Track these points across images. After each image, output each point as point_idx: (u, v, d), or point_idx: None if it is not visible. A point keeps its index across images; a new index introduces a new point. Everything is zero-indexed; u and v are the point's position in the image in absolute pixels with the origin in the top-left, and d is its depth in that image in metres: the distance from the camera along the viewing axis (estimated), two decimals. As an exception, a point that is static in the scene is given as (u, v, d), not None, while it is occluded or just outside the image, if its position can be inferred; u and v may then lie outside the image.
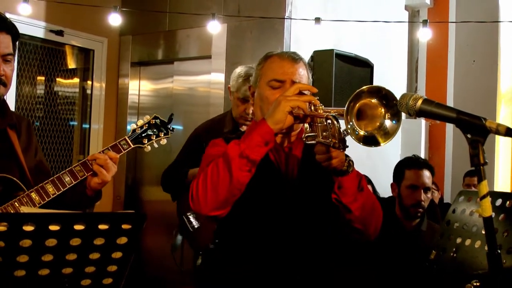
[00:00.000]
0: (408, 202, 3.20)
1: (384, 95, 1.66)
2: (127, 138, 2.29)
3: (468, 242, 2.01)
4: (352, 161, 1.91)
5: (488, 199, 1.22)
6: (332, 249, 2.16)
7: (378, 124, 1.69)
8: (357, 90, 1.65)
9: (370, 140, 1.69)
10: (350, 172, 1.90)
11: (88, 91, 5.26)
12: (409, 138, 6.06)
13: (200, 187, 1.86)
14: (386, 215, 3.32)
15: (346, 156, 1.88)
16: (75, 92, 5.29)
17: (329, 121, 1.75)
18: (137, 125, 2.35)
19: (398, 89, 5.80)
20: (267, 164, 1.98)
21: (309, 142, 1.92)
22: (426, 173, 3.23)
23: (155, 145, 2.37)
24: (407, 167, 3.29)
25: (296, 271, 1.99)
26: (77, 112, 5.29)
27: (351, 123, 1.64)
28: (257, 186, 1.91)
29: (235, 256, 2.05)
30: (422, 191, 3.18)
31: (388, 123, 1.68)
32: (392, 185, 3.38)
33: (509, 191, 5.51)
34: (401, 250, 3.15)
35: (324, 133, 1.82)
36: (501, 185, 5.90)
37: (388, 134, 1.68)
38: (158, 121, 2.39)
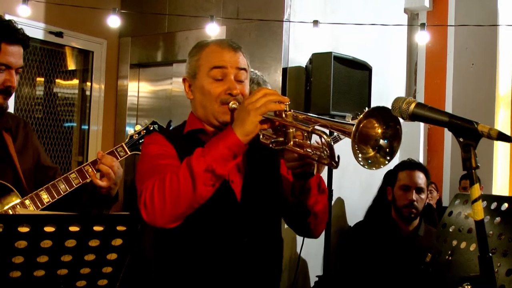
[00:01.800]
0: (400, 203, 3.23)
1: (381, 117, 1.54)
2: (124, 145, 2.28)
3: (463, 245, 2.01)
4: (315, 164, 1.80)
5: (480, 202, 1.23)
6: (279, 251, 2.09)
7: (376, 144, 1.58)
8: (364, 112, 1.52)
9: (373, 162, 1.58)
10: (314, 174, 1.82)
11: (87, 93, 5.27)
12: (407, 141, 6.07)
13: (156, 198, 1.70)
14: (382, 219, 3.35)
15: (334, 167, 1.74)
16: (74, 94, 5.29)
17: (312, 134, 1.64)
18: (135, 131, 2.33)
19: (397, 92, 5.82)
20: None
21: (277, 147, 1.75)
22: (419, 174, 3.27)
23: None
24: (400, 169, 3.35)
25: (240, 275, 1.89)
26: (76, 114, 5.29)
27: (357, 146, 1.52)
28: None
29: (178, 256, 1.94)
30: (414, 191, 3.21)
31: (384, 142, 1.57)
32: (387, 189, 3.40)
33: (507, 194, 5.52)
34: (398, 254, 3.15)
35: (296, 140, 1.70)
36: (499, 188, 5.91)
37: (389, 153, 1.58)
38: (156, 126, 2.37)
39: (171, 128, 2.42)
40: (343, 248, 3.94)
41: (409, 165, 3.35)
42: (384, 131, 1.56)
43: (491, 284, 1.19)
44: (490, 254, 1.22)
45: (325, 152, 1.64)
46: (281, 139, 1.74)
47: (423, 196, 3.24)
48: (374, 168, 1.57)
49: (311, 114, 1.73)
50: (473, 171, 1.23)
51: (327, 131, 1.64)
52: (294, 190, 1.87)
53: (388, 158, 1.58)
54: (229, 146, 1.68)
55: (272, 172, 1.98)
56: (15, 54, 2.08)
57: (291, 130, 1.70)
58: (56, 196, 2.12)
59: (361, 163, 1.54)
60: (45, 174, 2.22)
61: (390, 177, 4.50)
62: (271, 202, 1.97)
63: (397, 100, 1.38)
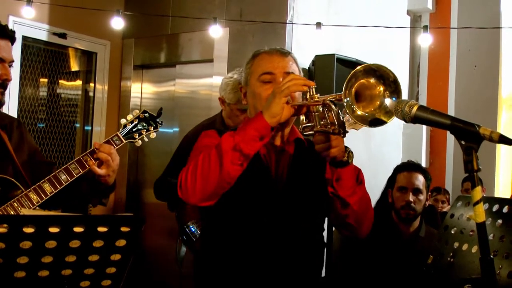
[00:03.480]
0: (398, 205, 3.23)
1: (380, 75, 1.63)
2: (118, 134, 2.35)
3: (465, 247, 2.02)
4: (352, 153, 1.87)
5: (481, 205, 1.24)
6: (321, 251, 2.14)
7: (378, 103, 1.65)
8: (353, 71, 1.62)
9: (373, 121, 1.65)
10: (350, 163, 1.87)
11: (91, 94, 5.28)
12: (410, 143, 6.07)
13: (189, 176, 1.81)
14: (384, 221, 3.35)
15: (346, 147, 1.84)
16: (78, 95, 5.31)
17: (326, 107, 1.72)
18: (127, 120, 2.40)
19: (400, 93, 5.81)
20: (256, 161, 1.91)
21: (307, 133, 1.86)
22: (416, 175, 3.24)
23: (146, 139, 2.43)
24: (398, 171, 3.33)
25: (283, 272, 1.96)
26: (79, 114, 5.31)
27: (352, 106, 1.60)
28: (244, 184, 1.86)
29: (221, 255, 2.01)
30: (411, 192, 3.19)
31: (388, 101, 1.63)
32: (388, 191, 3.40)
33: (509, 197, 5.52)
34: (399, 256, 3.15)
35: (322, 122, 1.78)
36: (502, 190, 5.91)
37: (390, 113, 1.62)
38: (147, 115, 2.44)
39: (160, 115, 2.53)
40: (345, 250, 3.94)
41: (407, 167, 3.33)
42: (385, 88, 1.64)
43: (493, 286, 1.20)
44: (492, 256, 1.23)
45: (335, 121, 1.71)
46: (310, 124, 1.85)
47: (421, 197, 3.22)
48: (372, 126, 1.65)
49: (337, 93, 1.77)
50: (475, 173, 1.24)
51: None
52: (332, 179, 1.91)
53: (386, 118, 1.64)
54: (257, 127, 1.78)
55: (317, 173, 2.01)
56: (6, 48, 2.15)
57: (317, 113, 1.80)
58: (59, 187, 2.17)
59: (347, 112, 1.62)
60: (42, 170, 2.26)
61: (390, 179, 4.51)
62: (313, 199, 2.01)
63: (399, 103, 1.39)
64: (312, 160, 1.95)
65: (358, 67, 1.65)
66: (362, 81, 1.64)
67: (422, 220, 3.30)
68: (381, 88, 1.64)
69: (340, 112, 1.70)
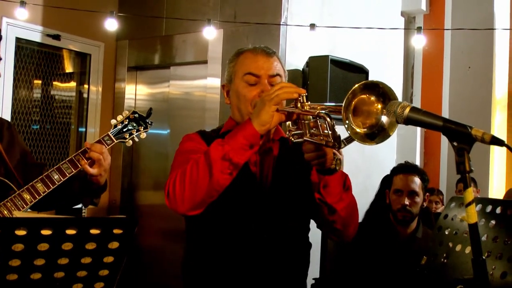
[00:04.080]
0: (394, 207, 3.23)
1: (382, 93, 1.56)
2: (109, 134, 2.37)
3: (458, 247, 2.02)
4: (340, 160, 1.84)
5: (474, 206, 1.24)
6: (307, 252, 2.13)
7: (374, 120, 1.58)
8: (354, 86, 1.55)
9: (369, 137, 1.58)
10: (338, 170, 1.85)
11: (85, 95, 5.27)
12: (404, 144, 6.09)
13: (178, 186, 1.79)
14: (381, 223, 3.35)
15: (334, 153, 1.81)
16: (72, 96, 5.30)
17: (320, 118, 1.68)
18: (117, 120, 2.42)
19: (394, 95, 5.82)
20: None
21: (296, 140, 1.82)
22: (412, 178, 3.22)
23: (136, 139, 2.47)
24: (395, 173, 3.32)
25: (269, 272, 1.95)
26: (73, 116, 5.30)
27: (347, 120, 1.54)
28: (229, 186, 1.82)
29: (208, 257, 2.00)
30: (407, 195, 3.18)
31: (385, 119, 1.56)
32: (386, 192, 3.40)
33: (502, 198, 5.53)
34: (396, 256, 3.15)
35: (313, 131, 1.75)
36: (496, 191, 5.93)
37: (386, 131, 1.57)
38: (137, 115, 2.49)
39: (151, 114, 2.57)
40: (341, 250, 3.94)
41: (403, 169, 3.30)
42: (383, 106, 1.56)
43: (485, 287, 1.20)
44: (484, 257, 1.23)
45: (329, 134, 1.66)
46: (299, 131, 1.81)
47: (417, 199, 3.21)
48: (367, 144, 1.58)
49: (329, 103, 1.75)
50: (467, 174, 1.24)
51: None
52: (319, 185, 1.90)
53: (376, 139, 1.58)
54: (246, 136, 1.76)
55: (302, 173, 2.00)
56: None
57: (307, 122, 1.76)
58: (51, 186, 2.18)
59: (348, 132, 1.55)
60: (33, 171, 2.27)
61: (387, 181, 4.52)
62: (298, 201, 2.00)
63: (392, 104, 1.39)
64: (297, 161, 1.93)
65: (360, 83, 1.57)
66: (362, 96, 1.57)
67: (420, 221, 3.30)
68: (379, 106, 1.57)
69: (334, 125, 1.65)
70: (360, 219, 4.57)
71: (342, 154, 1.88)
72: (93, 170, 2.21)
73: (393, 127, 1.55)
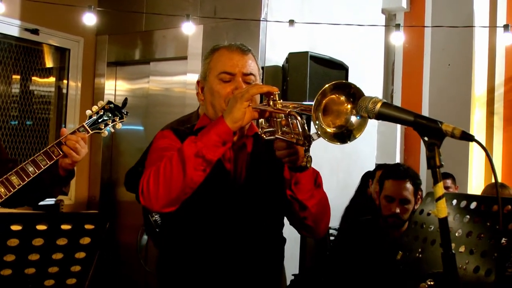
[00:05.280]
0: (385, 213, 3.10)
1: (352, 93, 1.59)
2: (85, 124, 2.36)
3: (433, 242, 2.04)
4: (311, 157, 1.85)
5: (444, 200, 1.25)
6: (281, 247, 2.14)
7: (344, 120, 1.62)
8: (324, 87, 1.59)
9: (338, 137, 1.62)
10: (309, 167, 1.86)
11: (64, 91, 5.22)
12: (385, 141, 6.12)
13: (152, 183, 1.79)
14: (369, 225, 3.31)
15: (305, 151, 1.83)
16: (51, 92, 5.25)
17: (291, 117, 1.70)
18: (92, 111, 2.42)
19: (374, 92, 5.85)
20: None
21: (268, 138, 1.86)
22: (404, 185, 3.08)
23: (111, 129, 2.45)
24: (386, 177, 3.17)
25: (243, 267, 1.97)
26: (52, 112, 5.25)
27: (317, 121, 1.57)
28: (203, 183, 1.83)
29: (183, 253, 2.01)
30: (398, 202, 3.06)
31: (354, 119, 1.60)
32: (376, 193, 3.31)
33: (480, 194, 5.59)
34: (385, 256, 3.08)
35: (285, 129, 1.77)
36: (475, 188, 5.99)
37: (355, 131, 1.62)
38: (112, 106, 2.47)
39: (126, 105, 2.55)
40: (323, 247, 3.93)
41: (395, 174, 3.14)
42: (353, 106, 1.60)
43: (454, 280, 1.21)
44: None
45: (300, 133, 1.69)
46: (271, 129, 1.84)
47: (409, 206, 3.07)
48: (337, 143, 1.62)
49: (301, 102, 1.77)
50: (437, 169, 1.25)
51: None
52: (290, 182, 1.91)
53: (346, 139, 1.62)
54: (219, 133, 1.78)
55: (275, 169, 2.00)
56: None
57: (279, 119, 1.79)
58: (26, 179, 2.18)
59: (319, 132, 1.60)
60: (5, 166, 2.25)
61: (368, 177, 4.53)
62: (271, 196, 2.02)
63: (363, 100, 1.40)
64: (271, 157, 1.94)
65: (330, 83, 1.61)
66: (332, 96, 1.61)
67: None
68: (349, 106, 1.61)
69: (305, 124, 1.68)
70: (340, 215, 4.62)
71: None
72: (68, 160, 2.23)
73: (361, 128, 1.60)
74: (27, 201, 2.39)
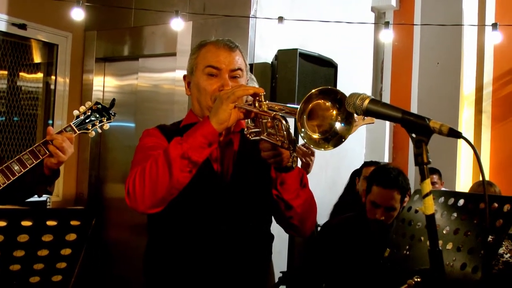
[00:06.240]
0: (369, 215, 3.11)
1: (339, 99, 1.59)
2: (72, 124, 2.35)
3: (421, 239, 2.04)
4: (297, 157, 1.86)
5: (431, 197, 1.25)
6: (269, 244, 2.15)
7: (328, 125, 1.62)
8: (310, 92, 1.59)
9: (322, 142, 1.63)
10: (294, 168, 1.86)
11: (52, 86, 5.18)
12: (373, 138, 6.14)
13: (138, 184, 1.78)
14: (355, 220, 3.31)
15: (290, 152, 1.82)
16: (39, 87, 5.21)
17: (276, 120, 1.70)
18: (80, 112, 2.40)
19: (363, 89, 5.86)
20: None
21: (253, 138, 1.85)
22: (392, 195, 3.04)
23: (99, 130, 2.45)
24: (375, 182, 3.12)
25: (230, 265, 1.96)
26: (40, 108, 5.21)
27: (303, 128, 1.58)
28: (189, 183, 1.82)
29: (170, 251, 2.00)
30: (383, 211, 3.05)
31: (338, 125, 1.61)
32: (363, 191, 3.30)
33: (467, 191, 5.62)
34: (369, 248, 3.09)
35: (270, 130, 1.77)
36: (463, 185, 6.02)
37: (339, 137, 1.62)
38: (100, 106, 2.47)
39: (113, 106, 2.56)
40: (310, 243, 3.91)
41: (385, 182, 3.08)
42: (338, 112, 1.61)
43: (440, 277, 1.22)
44: (440, 248, 1.24)
45: (285, 136, 1.69)
46: (257, 129, 1.83)
47: (394, 213, 3.05)
48: (322, 149, 1.63)
49: (289, 105, 1.76)
50: (425, 166, 1.26)
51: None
52: (276, 182, 1.91)
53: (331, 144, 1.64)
54: (204, 134, 1.76)
55: (262, 167, 1.99)
56: None
57: (265, 121, 1.78)
58: (11, 178, 2.19)
59: (304, 140, 1.60)
60: None
61: (356, 175, 4.54)
62: (258, 194, 2.01)
63: (351, 96, 1.40)
64: (257, 155, 1.93)
65: (316, 89, 1.61)
66: (317, 101, 1.61)
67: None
68: (334, 112, 1.61)
69: (289, 128, 1.68)
70: (328, 212, 4.62)
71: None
72: (53, 160, 2.21)
73: (347, 134, 1.61)
74: (11, 200, 2.37)
